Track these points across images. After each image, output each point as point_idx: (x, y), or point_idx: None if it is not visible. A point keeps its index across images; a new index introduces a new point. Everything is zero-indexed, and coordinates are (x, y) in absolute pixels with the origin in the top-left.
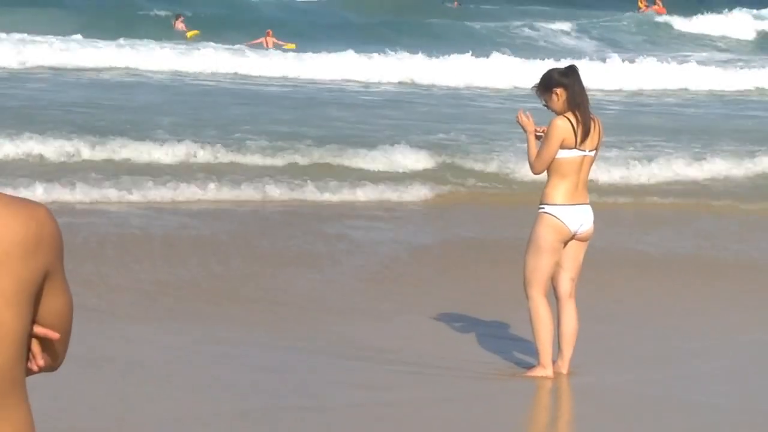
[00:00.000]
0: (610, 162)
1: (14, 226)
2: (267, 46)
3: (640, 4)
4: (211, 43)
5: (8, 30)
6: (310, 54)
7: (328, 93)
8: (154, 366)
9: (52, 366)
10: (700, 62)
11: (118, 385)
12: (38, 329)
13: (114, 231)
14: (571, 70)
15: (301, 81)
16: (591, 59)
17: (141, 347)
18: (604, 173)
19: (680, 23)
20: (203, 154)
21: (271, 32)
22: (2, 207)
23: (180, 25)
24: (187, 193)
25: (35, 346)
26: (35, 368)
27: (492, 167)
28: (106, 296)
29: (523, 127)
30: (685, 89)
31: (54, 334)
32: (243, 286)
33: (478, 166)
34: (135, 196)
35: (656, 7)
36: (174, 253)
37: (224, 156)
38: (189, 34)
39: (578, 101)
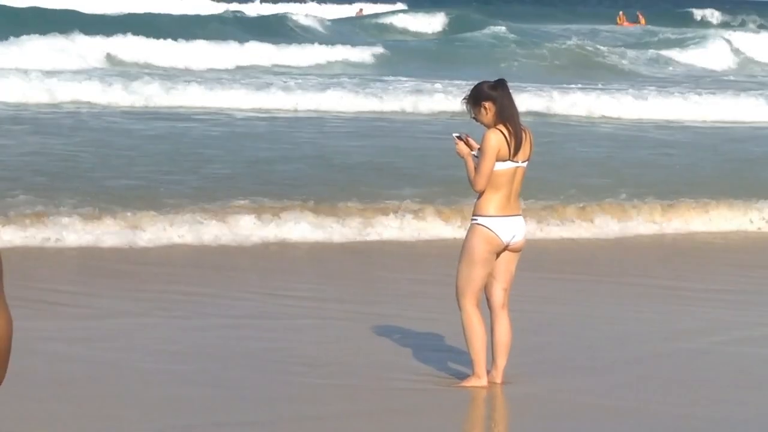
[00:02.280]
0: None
1: None
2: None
3: (619, 19)
4: None
5: None
6: None
7: None
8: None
9: None
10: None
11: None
12: None
13: None
14: (500, 84)
15: None
16: None
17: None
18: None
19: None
20: None
21: None
22: None
23: None
24: None
25: None
26: None
27: None
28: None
29: (460, 155)
30: None
31: None
32: None
33: None
34: None
35: (636, 23)
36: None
37: None
38: None
39: (508, 114)
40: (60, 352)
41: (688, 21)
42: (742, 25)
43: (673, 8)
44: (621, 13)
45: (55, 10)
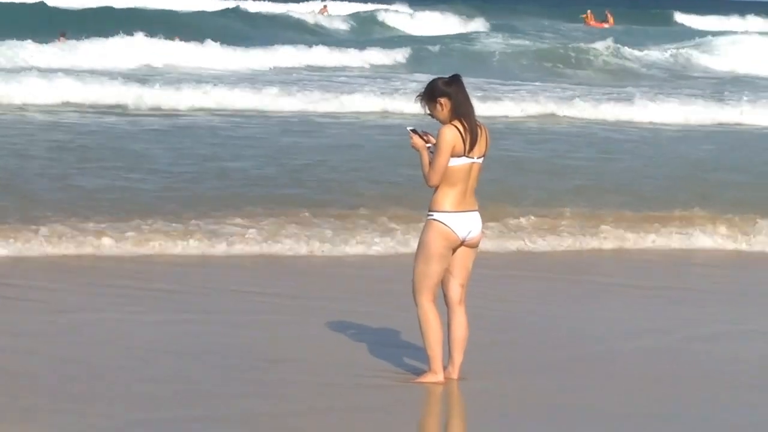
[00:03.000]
0: None
1: None
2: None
3: (586, 19)
4: None
5: None
6: None
7: None
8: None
9: None
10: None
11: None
12: None
13: None
14: (455, 80)
15: None
16: None
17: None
18: None
19: None
20: None
21: None
22: None
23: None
24: None
25: None
26: None
27: None
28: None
29: (416, 148)
30: None
31: None
32: None
33: None
34: None
35: (604, 23)
36: None
37: None
38: None
39: (463, 110)
40: (20, 347)
41: (657, 20)
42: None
43: (632, 8)
44: (589, 12)
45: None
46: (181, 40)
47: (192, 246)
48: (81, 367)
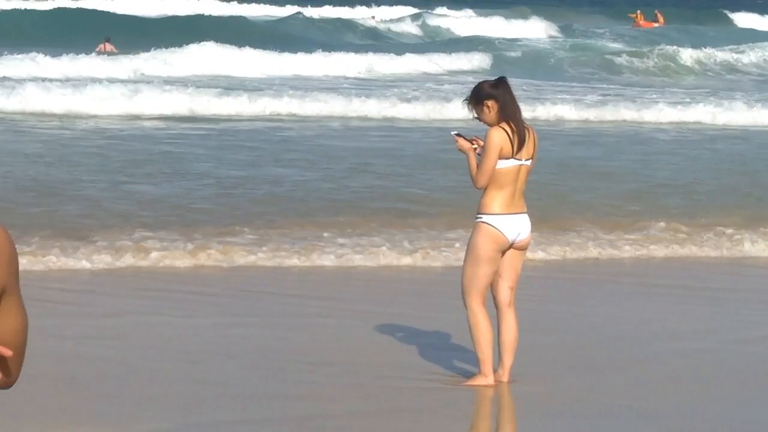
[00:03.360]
0: None
1: None
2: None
3: (636, 18)
4: None
5: None
6: None
7: None
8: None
9: (6, 383)
10: None
11: (48, 400)
12: None
13: None
14: (501, 82)
15: None
16: None
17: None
18: None
19: None
20: None
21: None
22: None
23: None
24: None
25: None
26: None
27: None
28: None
29: (462, 150)
30: None
31: (8, 352)
32: None
33: None
34: None
35: (654, 23)
36: None
37: None
38: None
39: (510, 112)
40: (66, 350)
41: (710, 19)
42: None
43: (679, 7)
44: (638, 12)
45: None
46: (251, 47)
47: (239, 254)
48: (129, 371)
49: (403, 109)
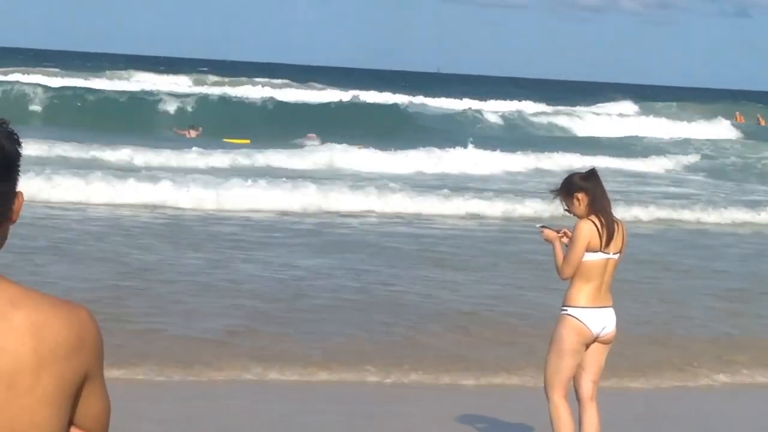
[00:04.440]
0: None
1: (59, 327)
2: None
3: (759, 120)
4: None
5: None
6: None
7: None
8: None
9: None
10: None
11: None
12: (75, 431)
13: None
14: (592, 175)
15: None
16: None
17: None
18: None
19: None
20: None
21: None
22: (48, 307)
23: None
24: None
25: None
26: None
27: None
28: None
29: (548, 240)
30: None
31: None
32: None
33: None
34: None
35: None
36: None
37: None
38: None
39: (600, 205)
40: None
41: None
42: None
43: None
44: (737, 113)
45: None
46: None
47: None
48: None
49: None
